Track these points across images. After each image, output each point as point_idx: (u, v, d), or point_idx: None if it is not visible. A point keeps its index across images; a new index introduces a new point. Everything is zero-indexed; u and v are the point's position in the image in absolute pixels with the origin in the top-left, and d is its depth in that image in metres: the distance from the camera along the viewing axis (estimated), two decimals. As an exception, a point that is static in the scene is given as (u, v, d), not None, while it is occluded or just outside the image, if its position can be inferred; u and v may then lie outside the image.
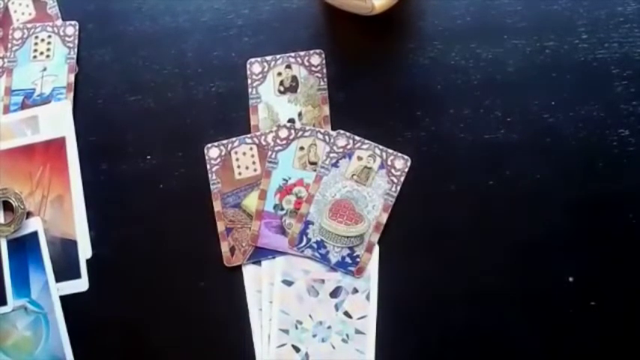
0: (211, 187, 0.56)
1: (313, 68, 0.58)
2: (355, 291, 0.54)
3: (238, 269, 0.55)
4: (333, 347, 0.54)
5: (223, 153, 0.57)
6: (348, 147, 0.56)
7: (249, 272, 0.55)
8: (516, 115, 0.56)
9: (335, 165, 0.56)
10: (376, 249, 0.55)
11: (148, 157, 0.58)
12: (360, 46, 0.59)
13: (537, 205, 0.54)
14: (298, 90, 0.58)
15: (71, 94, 0.60)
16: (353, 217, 0.55)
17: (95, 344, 0.56)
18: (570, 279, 0.53)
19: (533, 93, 0.56)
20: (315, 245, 0.55)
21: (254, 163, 0.57)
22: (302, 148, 0.56)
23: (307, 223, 0.55)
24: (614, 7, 0.57)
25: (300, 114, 0.58)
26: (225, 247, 0.56)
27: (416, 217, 0.55)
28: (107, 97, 0.60)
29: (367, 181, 0.55)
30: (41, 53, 0.61)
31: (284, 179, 0.56)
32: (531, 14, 0.58)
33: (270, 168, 0.56)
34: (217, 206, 0.56)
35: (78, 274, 0.56)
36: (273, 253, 0.55)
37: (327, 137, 0.56)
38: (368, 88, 0.58)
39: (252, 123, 0.58)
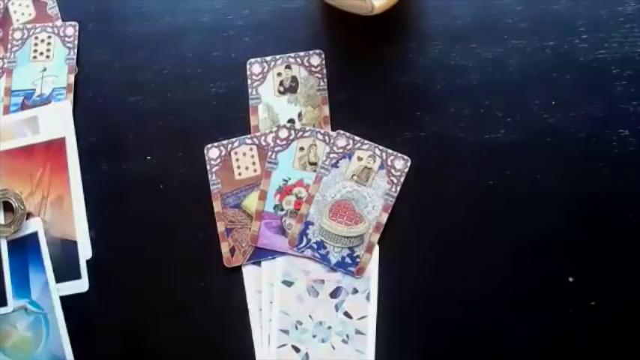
0: (211, 187, 0.56)
1: (313, 68, 0.58)
2: (355, 291, 0.54)
3: (238, 270, 0.55)
4: (333, 348, 0.54)
5: (223, 153, 0.57)
6: (348, 147, 0.56)
7: (249, 273, 0.55)
8: (516, 115, 0.56)
9: (335, 165, 0.56)
10: (376, 249, 0.55)
11: (148, 157, 0.58)
12: (360, 46, 0.59)
13: (537, 205, 0.54)
14: (298, 90, 0.58)
15: (71, 95, 0.60)
16: (353, 217, 0.55)
17: (95, 344, 0.56)
18: (570, 279, 0.53)
19: (533, 93, 0.56)
20: (315, 246, 0.55)
21: (254, 163, 0.57)
22: (302, 149, 0.56)
23: (307, 224, 0.55)
24: (614, 7, 0.57)
25: (300, 114, 0.57)
26: (225, 248, 0.56)
27: (416, 217, 0.55)
28: (107, 97, 0.60)
29: (367, 181, 0.55)
30: (41, 54, 0.61)
31: (284, 180, 0.56)
32: (531, 14, 0.57)
33: (270, 168, 0.56)
34: (217, 207, 0.56)
35: (78, 274, 0.56)
36: (273, 253, 0.55)
37: (327, 137, 0.56)
38: (368, 88, 0.58)
39: (252, 123, 0.58)
